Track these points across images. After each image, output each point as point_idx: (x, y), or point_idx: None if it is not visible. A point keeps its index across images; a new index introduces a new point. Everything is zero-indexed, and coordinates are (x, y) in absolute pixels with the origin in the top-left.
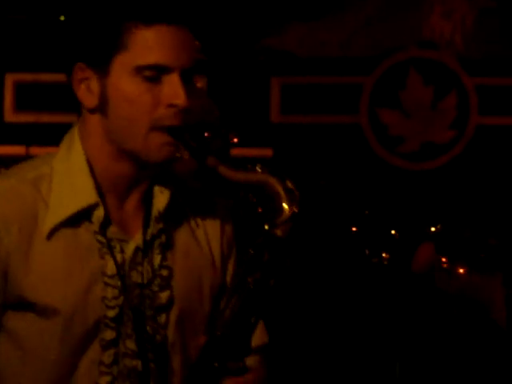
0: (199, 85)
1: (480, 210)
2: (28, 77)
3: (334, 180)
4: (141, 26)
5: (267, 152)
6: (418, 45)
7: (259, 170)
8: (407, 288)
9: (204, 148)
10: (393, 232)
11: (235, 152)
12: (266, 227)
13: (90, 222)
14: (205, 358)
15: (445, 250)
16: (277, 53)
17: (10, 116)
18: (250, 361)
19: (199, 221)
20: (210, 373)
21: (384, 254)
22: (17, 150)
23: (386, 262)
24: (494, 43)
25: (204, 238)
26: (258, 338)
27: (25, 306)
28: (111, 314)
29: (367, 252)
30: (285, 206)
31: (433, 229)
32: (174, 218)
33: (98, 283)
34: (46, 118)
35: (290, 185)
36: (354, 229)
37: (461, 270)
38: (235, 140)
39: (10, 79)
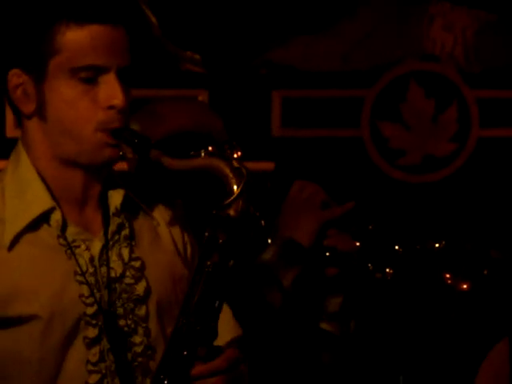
0: (200, 98)
1: (482, 222)
2: None
3: (335, 193)
4: (72, 26)
5: (269, 166)
6: (419, 58)
7: (203, 156)
8: (411, 302)
9: (145, 142)
10: (396, 247)
11: None
12: (217, 209)
13: (49, 226)
14: (173, 348)
15: (448, 266)
16: (278, 66)
17: (11, 131)
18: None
19: (159, 218)
20: (180, 361)
21: (388, 270)
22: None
23: (389, 278)
24: (494, 56)
25: (167, 233)
26: (231, 331)
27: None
28: (90, 310)
29: (370, 267)
30: (234, 185)
31: (437, 245)
32: (133, 215)
33: (71, 282)
34: None
35: (236, 164)
36: (357, 244)
37: (464, 286)
38: (239, 154)
39: None
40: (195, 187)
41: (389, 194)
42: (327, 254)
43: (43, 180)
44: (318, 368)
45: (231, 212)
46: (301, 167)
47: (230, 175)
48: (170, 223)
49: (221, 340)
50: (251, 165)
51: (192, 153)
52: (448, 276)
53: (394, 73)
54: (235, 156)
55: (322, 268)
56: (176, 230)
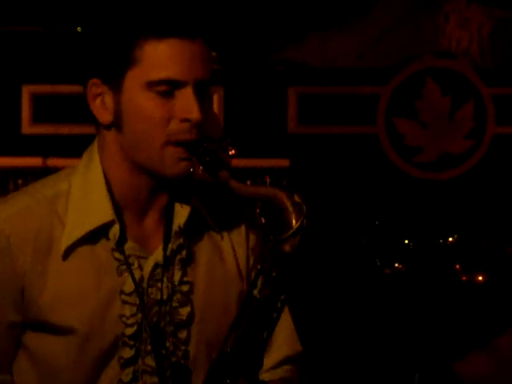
0: (216, 95)
1: (497, 219)
2: (45, 88)
3: (351, 190)
4: (152, 40)
5: (284, 162)
6: (435, 55)
7: (268, 184)
8: (425, 298)
9: (217, 162)
10: (406, 241)
11: (252, 163)
12: (273, 242)
13: (107, 239)
14: (215, 374)
15: (462, 260)
16: (294, 63)
17: (27, 128)
18: (281, 371)
19: (224, 231)
20: None
21: (397, 265)
22: (34, 161)
23: (399, 272)
24: (510, 53)
25: (229, 248)
26: (290, 347)
27: (41, 325)
28: (129, 331)
29: (378, 262)
30: (293, 220)
31: (450, 239)
32: (196, 232)
33: (115, 301)
34: (63, 130)
35: (297, 199)
36: (363, 240)
37: (480, 278)
38: (233, 152)
39: (27, 91)
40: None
41: (404, 190)
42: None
43: (109, 186)
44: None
45: (286, 247)
46: (316, 164)
47: (291, 209)
48: (235, 234)
49: (277, 354)
50: (267, 162)
51: (258, 180)
52: (461, 269)
53: (410, 70)
54: (230, 154)
55: None
56: (240, 240)
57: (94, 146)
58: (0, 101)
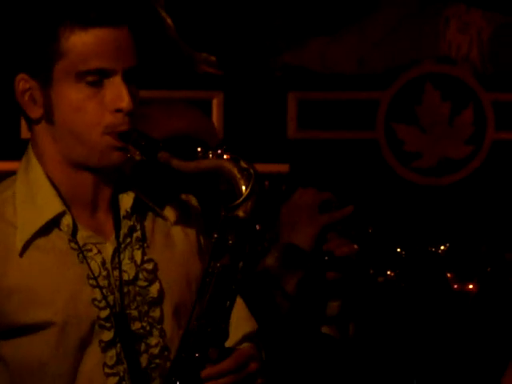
0: (216, 100)
1: (497, 225)
2: None
3: (350, 196)
4: (77, 30)
5: (284, 168)
6: (435, 60)
7: (211, 157)
8: (419, 305)
9: (153, 144)
10: (398, 250)
11: None
12: (226, 211)
13: (60, 230)
14: (184, 349)
15: (454, 269)
16: (294, 68)
17: (26, 133)
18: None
19: (171, 217)
20: (191, 363)
21: (389, 273)
22: None
23: (392, 281)
24: (510, 58)
25: (180, 232)
26: (246, 325)
27: (14, 330)
28: (103, 314)
29: (372, 271)
30: (242, 186)
31: (442, 247)
32: (144, 217)
33: (84, 286)
34: None
35: (244, 165)
36: (355, 247)
37: (470, 286)
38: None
39: None
40: (202, 187)
41: (404, 196)
42: (326, 258)
43: (53, 184)
44: (320, 370)
45: (240, 213)
46: (316, 169)
47: (238, 176)
48: (183, 221)
49: (235, 334)
50: (266, 167)
51: (200, 154)
52: (452, 278)
53: (410, 75)
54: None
55: (321, 272)
56: (190, 229)
57: (29, 148)
58: None
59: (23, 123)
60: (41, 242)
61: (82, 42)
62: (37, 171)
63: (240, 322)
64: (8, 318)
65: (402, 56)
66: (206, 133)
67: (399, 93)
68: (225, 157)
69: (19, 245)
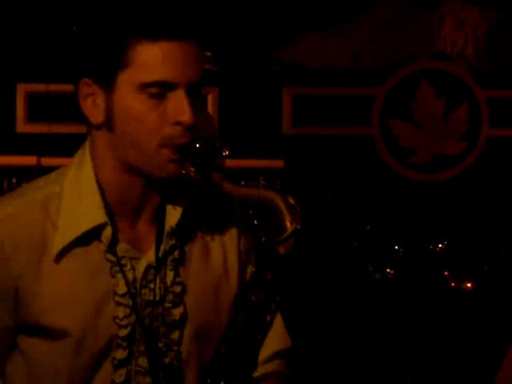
0: (211, 95)
1: (491, 221)
2: (40, 87)
3: (345, 192)
4: (144, 42)
5: (278, 163)
6: (430, 56)
7: (261, 187)
8: (415, 301)
9: (209, 164)
10: (396, 247)
11: (246, 163)
12: (268, 245)
13: (100, 241)
14: (211, 376)
15: (452, 266)
16: (289, 64)
17: (21, 127)
18: (272, 366)
19: (215, 233)
20: None
21: (388, 270)
22: (28, 160)
23: (390, 278)
24: (505, 55)
25: (220, 250)
26: (280, 342)
27: (36, 329)
28: (123, 333)
29: (370, 268)
30: (287, 222)
31: (440, 245)
32: (187, 233)
33: (109, 302)
34: (57, 129)
35: (292, 201)
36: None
37: (468, 285)
38: (227, 152)
39: (21, 89)
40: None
41: (398, 192)
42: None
43: (102, 189)
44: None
45: (281, 249)
46: (311, 165)
47: (285, 212)
48: (227, 235)
49: (268, 349)
50: (261, 162)
51: (251, 182)
52: (449, 275)
53: (405, 71)
54: (224, 154)
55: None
56: (231, 242)
57: (86, 147)
58: None
59: (19, 117)
60: (77, 250)
61: (148, 53)
62: (89, 173)
63: (275, 337)
64: (32, 315)
65: (397, 52)
66: (203, 126)
67: (394, 89)
68: (275, 190)
69: (56, 249)
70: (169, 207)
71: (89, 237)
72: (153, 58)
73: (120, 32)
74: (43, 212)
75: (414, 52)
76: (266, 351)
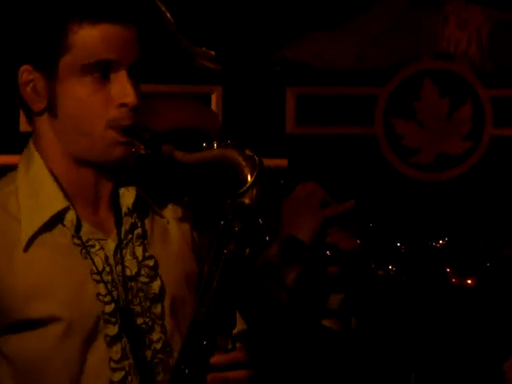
0: (215, 94)
1: (495, 220)
2: None
3: (349, 191)
4: (85, 25)
5: (282, 163)
6: (434, 56)
7: (215, 147)
8: (417, 299)
9: (156, 138)
10: (398, 244)
11: None
12: (232, 198)
13: (64, 226)
14: (193, 337)
15: (453, 263)
16: (292, 63)
17: (25, 126)
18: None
19: (168, 216)
20: (200, 351)
21: (390, 267)
22: None
23: (392, 275)
24: (509, 54)
25: (177, 231)
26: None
27: (20, 325)
28: (108, 309)
29: (373, 265)
30: (247, 174)
31: (440, 241)
32: (144, 214)
33: (88, 282)
34: None
35: (248, 152)
36: (358, 241)
37: (469, 282)
38: None
39: None
40: (204, 182)
41: (402, 191)
42: (328, 252)
43: (56, 179)
44: (321, 364)
45: (246, 200)
46: (314, 164)
47: (243, 164)
48: (179, 220)
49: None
50: (265, 162)
51: (204, 145)
52: (451, 272)
53: (409, 71)
54: None
55: (323, 266)
56: (185, 227)
57: (31, 144)
58: None
59: (22, 116)
60: (45, 237)
61: (90, 36)
62: (39, 165)
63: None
64: (12, 313)
65: (400, 52)
66: (210, 126)
67: (398, 88)
68: (229, 146)
69: (23, 240)
70: (122, 190)
71: (53, 223)
72: (94, 40)
73: (61, 16)
74: (2, 211)
75: (417, 52)
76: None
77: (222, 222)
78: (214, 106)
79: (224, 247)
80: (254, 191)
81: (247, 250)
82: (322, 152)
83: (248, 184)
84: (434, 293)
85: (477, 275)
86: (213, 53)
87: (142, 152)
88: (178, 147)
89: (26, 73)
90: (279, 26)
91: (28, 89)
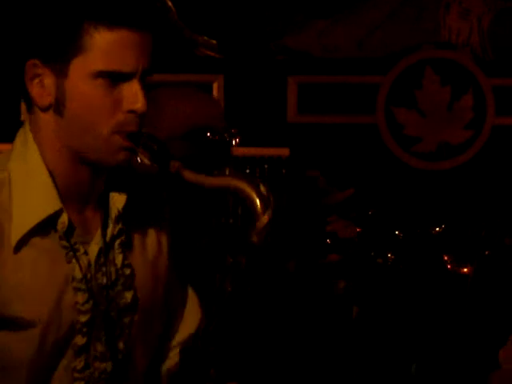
0: (216, 83)
1: (496, 209)
2: None
3: (350, 179)
4: (102, 28)
5: (284, 152)
6: (435, 45)
7: (227, 174)
8: (416, 287)
9: (164, 152)
10: (396, 232)
11: (251, 151)
12: (242, 235)
13: (55, 228)
14: (194, 369)
15: (450, 250)
16: (294, 52)
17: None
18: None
19: (151, 223)
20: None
21: (389, 255)
22: None
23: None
24: (511, 44)
25: (155, 238)
26: (195, 321)
27: (0, 320)
28: (83, 318)
29: (372, 253)
30: (260, 213)
31: (437, 229)
32: (130, 220)
33: (68, 289)
34: None
35: (263, 190)
36: (358, 229)
37: (465, 269)
38: (237, 140)
39: None
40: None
41: (403, 180)
42: (328, 240)
43: (52, 175)
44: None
45: (254, 239)
46: (316, 153)
47: (257, 201)
48: (158, 231)
49: (186, 332)
50: (267, 151)
51: (216, 172)
52: (449, 260)
53: (410, 60)
54: (234, 143)
55: (324, 254)
56: (163, 235)
57: (27, 130)
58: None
59: (23, 106)
60: (35, 239)
61: (106, 41)
62: (36, 159)
63: (193, 321)
64: None
65: (402, 41)
66: (213, 118)
67: (399, 77)
68: (242, 176)
69: (14, 239)
70: (113, 194)
71: (45, 224)
72: (109, 46)
73: (78, 16)
74: None
75: (419, 41)
76: (183, 333)
77: (230, 259)
78: (215, 95)
79: (229, 282)
80: (264, 231)
81: (249, 289)
82: (324, 141)
83: (261, 224)
84: (432, 280)
85: (475, 262)
86: (214, 42)
87: (147, 163)
88: (189, 166)
89: (34, 67)
90: (280, 15)
91: (35, 83)
